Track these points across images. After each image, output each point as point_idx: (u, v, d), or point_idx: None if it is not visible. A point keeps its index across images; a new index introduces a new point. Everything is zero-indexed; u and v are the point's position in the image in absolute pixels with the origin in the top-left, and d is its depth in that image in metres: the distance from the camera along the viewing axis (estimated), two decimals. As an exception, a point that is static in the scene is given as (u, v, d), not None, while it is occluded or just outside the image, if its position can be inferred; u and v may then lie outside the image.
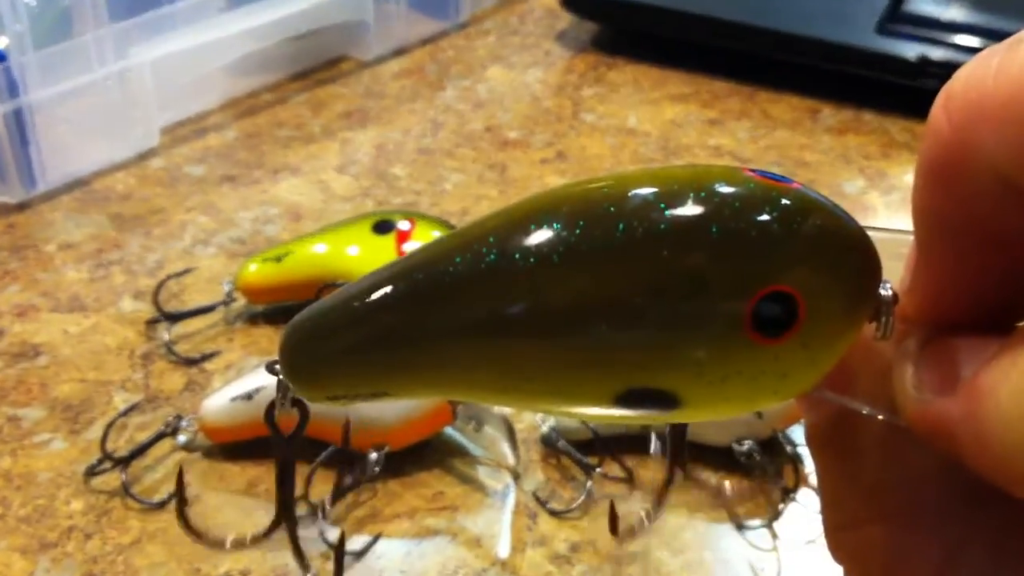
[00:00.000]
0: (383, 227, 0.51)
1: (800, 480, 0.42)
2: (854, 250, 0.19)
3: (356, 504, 0.43)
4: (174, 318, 0.51)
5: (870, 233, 0.19)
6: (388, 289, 0.19)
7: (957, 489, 0.19)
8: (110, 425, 0.44)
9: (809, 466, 0.44)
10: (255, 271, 0.51)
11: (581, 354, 0.18)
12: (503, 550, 0.41)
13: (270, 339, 0.51)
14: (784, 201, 0.18)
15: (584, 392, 0.18)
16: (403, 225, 0.50)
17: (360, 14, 0.72)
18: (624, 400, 0.18)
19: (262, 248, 0.55)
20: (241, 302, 0.52)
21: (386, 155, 0.64)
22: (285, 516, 0.26)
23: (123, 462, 0.43)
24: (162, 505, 0.42)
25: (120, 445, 0.45)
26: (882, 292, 0.19)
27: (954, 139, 0.17)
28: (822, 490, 0.21)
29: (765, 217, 0.18)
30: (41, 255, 0.56)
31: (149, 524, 0.42)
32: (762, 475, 0.43)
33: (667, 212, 0.18)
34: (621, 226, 0.18)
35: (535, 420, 0.45)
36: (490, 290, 0.18)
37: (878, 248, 0.19)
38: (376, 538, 0.41)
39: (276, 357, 0.21)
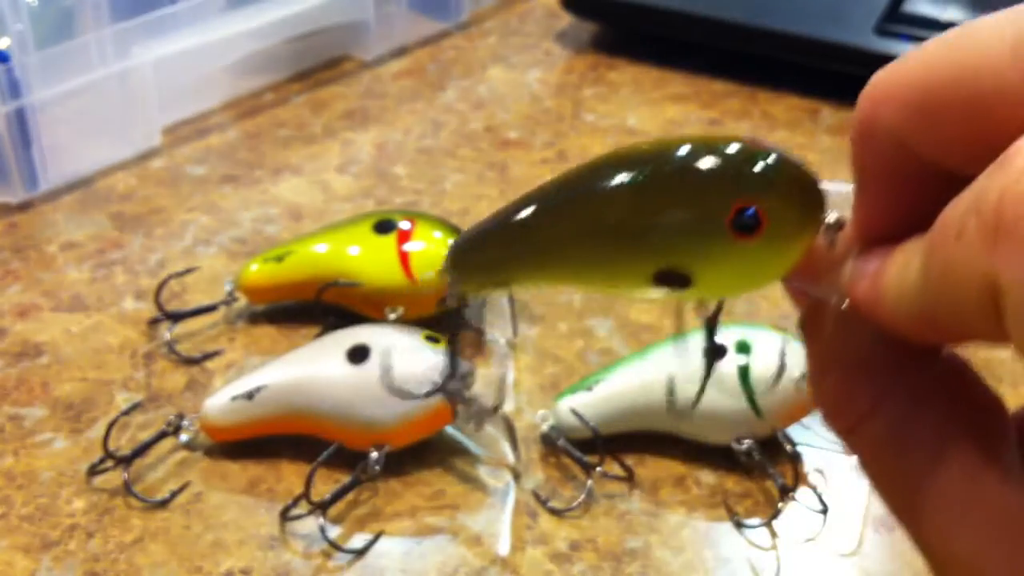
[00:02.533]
0: (384, 227, 0.51)
1: (799, 479, 0.42)
2: (799, 182, 0.28)
3: (357, 503, 0.43)
4: (176, 317, 0.51)
5: (835, 186, 0.28)
6: (516, 211, 0.29)
7: (883, 348, 0.28)
8: (112, 424, 0.44)
9: (808, 465, 0.44)
10: (256, 271, 0.51)
11: (630, 247, 0.28)
12: (503, 548, 0.41)
13: (271, 338, 0.51)
14: (754, 152, 0.27)
15: (631, 273, 0.28)
16: (404, 225, 0.50)
17: (361, 14, 0.72)
18: (658, 279, 0.28)
19: (263, 248, 0.55)
20: (242, 302, 0.52)
21: (387, 155, 0.64)
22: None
23: (125, 461, 0.43)
24: (164, 504, 0.42)
25: (122, 444, 0.45)
26: (828, 219, 0.28)
27: (870, 113, 0.25)
28: (808, 359, 0.29)
29: (739, 159, 0.27)
30: (43, 255, 0.56)
31: (151, 523, 0.42)
32: (762, 474, 0.43)
33: (678, 158, 0.27)
34: (650, 168, 0.28)
35: (535, 419, 0.46)
36: (578, 211, 0.29)
37: (842, 200, 0.28)
38: (377, 537, 0.41)
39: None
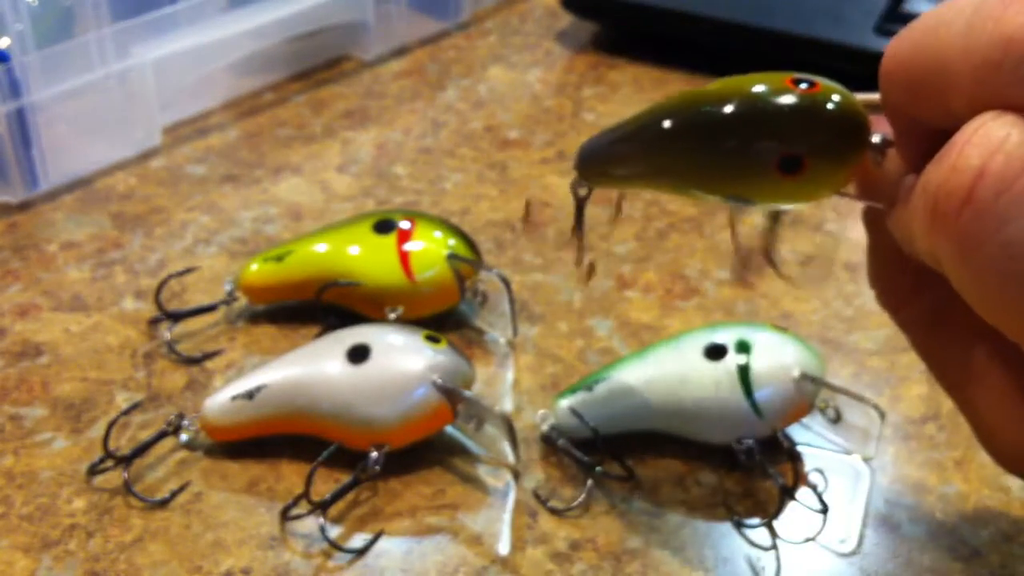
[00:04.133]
0: (384, 226, 0.51)
1: (799, 479, 0.42)
2: (841, 124, 0.34)
3: (357, 503, 0.43)
4: (176, 317, 0.51)
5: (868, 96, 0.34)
6: (625, 128, 0.37)
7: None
8: (112, 424, 0.44)
9: (808, 465, 0.44)
10: (256, 270, 0.51)
11: (708, 183, 0.36)
12: (503, 548, 0.41)
13: (271, 338, 0.51)
14: (796, 99, 0.34)
15: (709, 191, 0.36)
16: (404, 224, 0.50)
17: (361, 14, 0.72)
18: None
19: (263, 247, 0.55)
20: (242, 301, 0.52)
21: (387, 155, 0.64)
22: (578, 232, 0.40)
23: (125, 461, 0.43)
24: (164, 504, 0.42)
25: (122, 444, 0.45)
26: (874, 140, 0.34)
27: (881, 86, 0.33)
28: (867, 246, 0.37)
29: (786, 112, 0.34)
30: (43, 254, 0.56)
31: (151, 522, 0.42)
32: (762, 474, 0.43)
33: (732, 108, 0.35)
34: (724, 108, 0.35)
35: (535, 419, 0.46)
36: (671, 137, 0.36)
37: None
38: (377, 536, 0.41)
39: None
